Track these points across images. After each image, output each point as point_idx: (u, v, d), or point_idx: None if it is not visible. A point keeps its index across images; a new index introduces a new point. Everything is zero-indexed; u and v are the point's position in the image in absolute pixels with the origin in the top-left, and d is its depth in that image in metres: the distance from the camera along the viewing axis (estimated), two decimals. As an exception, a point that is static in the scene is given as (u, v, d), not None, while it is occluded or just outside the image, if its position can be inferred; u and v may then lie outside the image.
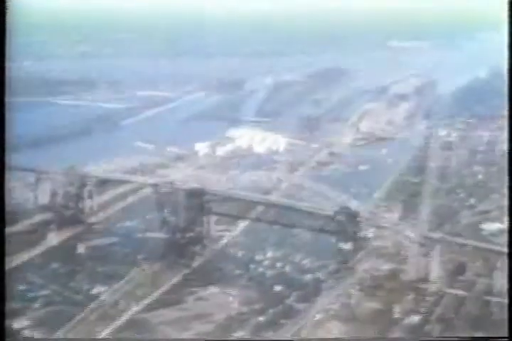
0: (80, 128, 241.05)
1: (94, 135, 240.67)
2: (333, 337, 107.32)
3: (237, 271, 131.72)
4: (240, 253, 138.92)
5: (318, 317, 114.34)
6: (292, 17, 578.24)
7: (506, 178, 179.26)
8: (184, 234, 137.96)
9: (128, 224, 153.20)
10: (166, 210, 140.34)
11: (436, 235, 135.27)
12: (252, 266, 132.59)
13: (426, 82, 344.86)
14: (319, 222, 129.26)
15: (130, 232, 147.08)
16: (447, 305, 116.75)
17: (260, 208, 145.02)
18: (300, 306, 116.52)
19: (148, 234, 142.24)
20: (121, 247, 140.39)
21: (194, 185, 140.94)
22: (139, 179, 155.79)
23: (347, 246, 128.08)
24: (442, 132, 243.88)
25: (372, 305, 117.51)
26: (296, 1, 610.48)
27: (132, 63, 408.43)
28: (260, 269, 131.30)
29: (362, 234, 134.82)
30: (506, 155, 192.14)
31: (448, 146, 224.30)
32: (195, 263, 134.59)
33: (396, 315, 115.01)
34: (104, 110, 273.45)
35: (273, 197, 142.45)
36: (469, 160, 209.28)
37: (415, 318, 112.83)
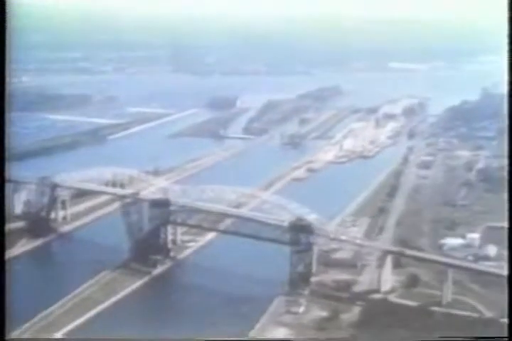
0: (66, 142, 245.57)
1: (79, 148, 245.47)
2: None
3: (197, 279, 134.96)
4: (203, 263, 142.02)
5: (264, 322, 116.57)
6: (296, 37, 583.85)
7: (479, 197, 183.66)
8: (147, 243, 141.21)
9: (95, 232, 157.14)
10: (131, 220, 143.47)
11: (395, 249, 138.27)
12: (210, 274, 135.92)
13: (418, 103, 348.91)
14: (276, 232, 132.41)
15: (97, 240, 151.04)
16: (392, 314, 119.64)
17: (225, 220, 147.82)
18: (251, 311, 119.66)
19: (114, 242, 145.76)
20: (86, 254, 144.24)
21: (158, 196, 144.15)
22: (109, 190, 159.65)
23: (301, 256, 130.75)
24: (423, 151, 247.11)
25: (320, 313, 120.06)
26: (301, 22, 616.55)
27: (130, 80, 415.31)
28: (220, 276, 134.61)
29: (319, 245, 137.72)
30: (482, 175, 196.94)
31: (426, 165, 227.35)
32: (156, 271, 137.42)
33: (342, 323, 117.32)
34: (93, 125, 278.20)
35: (235, 210, 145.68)
36: (445, 179, 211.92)
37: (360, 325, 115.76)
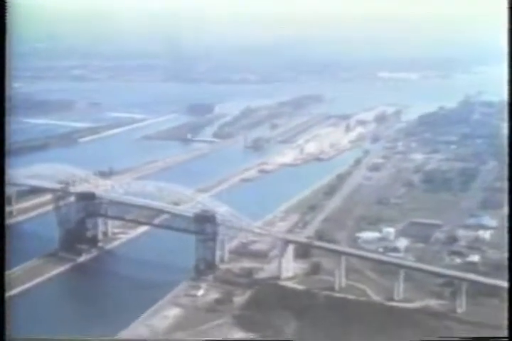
0: (37, 144, 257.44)
1: (50, 150, 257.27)
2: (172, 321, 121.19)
3: (116, 267, 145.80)
4: (126, 253, 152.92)
5: (161, 303, 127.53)
6: (287, 46, 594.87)
7: (415, 197, 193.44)
8: (75, 234, 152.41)
9: (38, 225, 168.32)
10: (61, 213, 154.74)
11: (304, 240, 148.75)
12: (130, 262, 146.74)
13: (394, 111, 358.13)
14: (185, 223, 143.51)
15: (30, 231, 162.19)
16: (281, 298, 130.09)
17: (152, 213, 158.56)
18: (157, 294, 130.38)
19: (47, 233, 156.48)
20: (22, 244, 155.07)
21: (85, 189, 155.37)
22: (44, 184, 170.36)
23: (206, 245, 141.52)
24: (379, 154, 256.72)
25: (215, 296, 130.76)
26: (293, 32, 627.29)
27: (120, 88, 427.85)
28: (138, 265, 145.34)
29: (239, 237, 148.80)
30: (427, 176, 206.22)
31: (375, 167, 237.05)
32: (80, 259, 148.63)
33: (233, 306, 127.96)
34: (69, 128, 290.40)
35: (155, 203, 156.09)
36: (389, 180, 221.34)
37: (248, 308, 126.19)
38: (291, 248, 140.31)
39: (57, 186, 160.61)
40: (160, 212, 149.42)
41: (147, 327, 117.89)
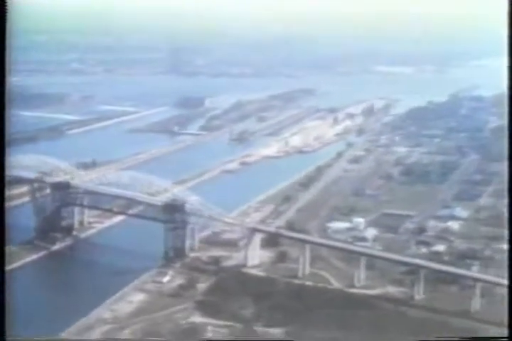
0: (26, 136, 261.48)
1: (38, 142, 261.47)
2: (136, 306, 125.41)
3: (89, 255, 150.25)
4: (100, 241, 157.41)
5: (127, 289, 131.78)
6: (286, 41, 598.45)
7: (391, 189, 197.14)
8: (50, 223, 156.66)
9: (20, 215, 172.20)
10: (36, 202, 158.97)
11: (270, 229, 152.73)
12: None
13: (384, 104, 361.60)
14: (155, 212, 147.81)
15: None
16: (242, 284, 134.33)
17: (127, 203, 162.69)
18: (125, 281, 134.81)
19: (22, 221, 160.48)
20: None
21: (60, 179, 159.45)
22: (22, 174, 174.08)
23: (175, 233, 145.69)
24: (362, 147, 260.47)
25: (179, 282, 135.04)
26: (291, 26, 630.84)
27: (115, 81, 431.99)
28: (110, 252, 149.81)
29: (212, 227, 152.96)
30: (407, 169, 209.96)
31: (356, 160, 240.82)
32: (55, 247, 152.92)
33: (196, 292, 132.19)
34: (58, 121, 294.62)
35: (129, 193, 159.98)
36: (368, 172, 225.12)
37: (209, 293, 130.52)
38: (257, 237, 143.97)
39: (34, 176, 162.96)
40: (132, 201, 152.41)
41: (111, 311, 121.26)
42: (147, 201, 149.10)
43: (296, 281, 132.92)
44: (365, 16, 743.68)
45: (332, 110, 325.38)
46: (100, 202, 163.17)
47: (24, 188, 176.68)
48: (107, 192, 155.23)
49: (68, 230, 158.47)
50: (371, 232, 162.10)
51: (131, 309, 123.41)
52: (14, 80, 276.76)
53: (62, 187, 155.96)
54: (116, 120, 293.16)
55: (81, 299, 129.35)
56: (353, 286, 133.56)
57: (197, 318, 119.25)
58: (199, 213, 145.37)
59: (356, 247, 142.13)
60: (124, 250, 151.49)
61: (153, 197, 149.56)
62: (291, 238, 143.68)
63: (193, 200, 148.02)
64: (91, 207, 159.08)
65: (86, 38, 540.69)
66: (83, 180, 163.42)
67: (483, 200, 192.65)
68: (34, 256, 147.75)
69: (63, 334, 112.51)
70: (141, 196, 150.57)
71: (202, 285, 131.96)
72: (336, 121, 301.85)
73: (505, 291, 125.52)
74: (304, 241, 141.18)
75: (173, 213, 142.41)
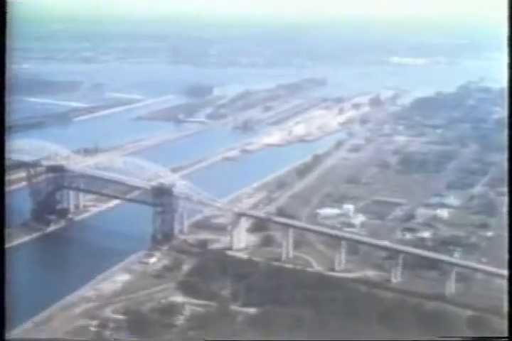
0: (33, 122, 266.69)
1: (45, 128, 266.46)
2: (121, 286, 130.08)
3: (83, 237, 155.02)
4: (94, 224, 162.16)
5: (114, 270, 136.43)
6: (299, 31, 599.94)
7: (386, 177, 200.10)
8: (45, 205, 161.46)
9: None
10: (32, 185, 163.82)
11: (257, 214, 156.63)
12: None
13: (392, 94, 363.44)
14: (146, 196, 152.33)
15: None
16: (224, 266, 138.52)
17: (123, 188, 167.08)
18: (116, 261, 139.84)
19: (20, 204, 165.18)
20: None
21: (54, 163, 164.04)
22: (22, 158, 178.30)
23: (163, 217, 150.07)
24: (363, 136, 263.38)
25: (165, 263, 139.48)
26: (304, 17, 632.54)
27: (126, 69, 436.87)
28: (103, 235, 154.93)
29: (202, 212, 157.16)
30: (405, 158, 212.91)
31: (355, 149, 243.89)
32: (49, 229, 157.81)
33: (179, 273, 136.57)
34: (66, 108, 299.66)
35: (122, 177, 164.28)
36: (366, 161, 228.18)
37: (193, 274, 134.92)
38: (243, 221, 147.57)
39: (28, 158, 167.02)
40: (123, 185, 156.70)
41: (95, 290, 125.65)
42: (137, 185, 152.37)
43: (276, 263, 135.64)
44: (380, 8, 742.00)
45: (339, 100, 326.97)
46: (95, 186, 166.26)
47: (21, 172, 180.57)
48: (100, 175, 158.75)
49: (63, 213, 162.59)
50: (359, 219, 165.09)
51: (115, 288, 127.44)
52: (25, 67, 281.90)
53: (56, 171, 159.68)
54: (123, 107, 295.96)
55: (69, 278, 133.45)
56: (332, 269, 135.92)
57: (177, 297, 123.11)
58: (187, 197, 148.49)
59: (336, 232, 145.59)
60: (116, 233, 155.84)
61: (145, 181, 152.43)
62: (275, 222, 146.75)
63: (181, 185, 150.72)
64: (84, 191, 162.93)
65: (100, 27, 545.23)
66: (79, 164, 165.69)
67: (477, 189, 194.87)
68: (27, 238, 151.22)
69: (47, 311, 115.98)
70: (132, 180, 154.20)
71: (186, 267, 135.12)
72: (341, 111, 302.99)
73: (482, 276, 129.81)
74: (287, 226, 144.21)
75: (161, 197, 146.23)
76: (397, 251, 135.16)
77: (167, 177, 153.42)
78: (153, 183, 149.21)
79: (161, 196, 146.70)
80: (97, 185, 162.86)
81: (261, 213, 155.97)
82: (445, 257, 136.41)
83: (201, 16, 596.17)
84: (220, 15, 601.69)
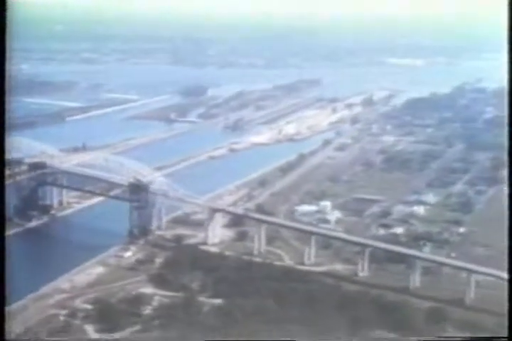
0: (25, 121, 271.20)
1: (38, 127, 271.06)
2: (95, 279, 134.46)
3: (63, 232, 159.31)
4: (75, 220, 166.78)
5: (89, 263, 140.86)
6: (297, 33, 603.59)
7: (368, 175, 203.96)
8: (27, 201, 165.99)
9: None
10: (15, 181, 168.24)
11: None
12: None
13: (386, 95, 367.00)
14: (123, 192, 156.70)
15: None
16: (195, 259, 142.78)
17: (104, 185, 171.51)
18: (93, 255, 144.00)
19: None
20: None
21: (37, 160, 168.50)
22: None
23: (139, 212, 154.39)
24: (351, 135, 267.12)
25: (139, 256, 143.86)
26: (302, 18, 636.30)
27: (125, 70, 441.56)
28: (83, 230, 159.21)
29: (182, 208, 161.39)
30: (390, 157, 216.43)
31: (342, 148, 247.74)
32: (30, 224, 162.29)
33: (152, 266, 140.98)
34: (60, 108, 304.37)
35: (100, 174, 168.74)
36: (351, 160, 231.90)
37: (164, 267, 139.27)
38: (219, 217, 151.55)
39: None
40: (104, 182, 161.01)
41: (69, 282, 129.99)
42: (116, 181, 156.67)
43: (246, 257, 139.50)
44: (378, 9, 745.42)
45: (333, 100, 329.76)
46: (77, 183, 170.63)
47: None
48: (81, 172, 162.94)
49: (46, 209, 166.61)
50: (335, 215, 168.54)
51: (89, 280, 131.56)
52: (24, 68, 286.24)
53: (39, 168, 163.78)
54: (117, 107, 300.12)
55: (47, 272, 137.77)
56: (302, 263, 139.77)
57: (147, 289, 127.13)
58: (164, 194, 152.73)
59: (307, 227, 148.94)
60: (98, 228, 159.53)
61: (123, 178, 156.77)
62: (249, 218, 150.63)
63: (159, 181, 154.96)
64: (66, 187, 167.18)
65: (101, 28, 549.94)
66: (66, 162, 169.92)
67: (456, 187, 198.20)
68: (10, 232, 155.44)
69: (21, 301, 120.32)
70: (112, 177, 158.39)
71: (159, 260, 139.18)
72: (333, 111, 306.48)
73: (449, 270, 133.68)
74: (260, 221, 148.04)
75: (138, 193, 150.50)
76: (365, 246, 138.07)
77: (146, 175, 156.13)
78: (131, 180, 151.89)
79: (138, 192, 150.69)
80: (79, 182, 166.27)
81: (237, 209, 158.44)
82: (412, 251, 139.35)
83: (201, 18, 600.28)
84: (219, 17, 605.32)
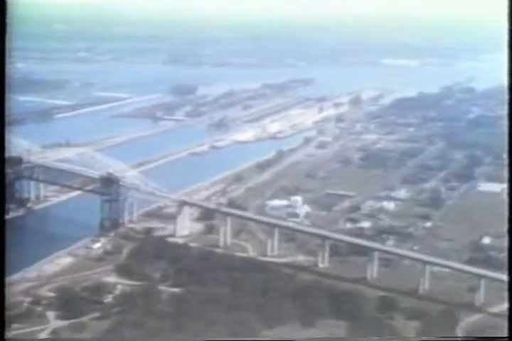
0: (14, 119, 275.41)
1: (26, 124, 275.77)
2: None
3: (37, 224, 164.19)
4: (50, 213, 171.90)
5: (59, 253, 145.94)
6: (292, 32, 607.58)
7: (345, 172, 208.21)
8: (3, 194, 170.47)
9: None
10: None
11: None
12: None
13: (376, 94, 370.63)
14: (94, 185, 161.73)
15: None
16: (159, 250, 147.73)
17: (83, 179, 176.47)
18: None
19: None
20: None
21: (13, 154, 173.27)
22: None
23: (110, 205, 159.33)
24: (332, 133, 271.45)
25: (107, 248, 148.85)
26: (298, 18, 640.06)
27: (119, 69, 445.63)
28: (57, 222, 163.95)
29: (154, 202, 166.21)
30: (369, 155, 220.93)
31: (322, 145, 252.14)
32: (7, 217, 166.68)
33: (119, 256, 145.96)
34: (49, 106, 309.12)
35: (78, 168, 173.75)
36: (330, 157, 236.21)
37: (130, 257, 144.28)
38: (187, 209, 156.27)
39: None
40: (78, 176, 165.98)
41: (37, 271, 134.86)
42: (87, 175, 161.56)
43: (209, 249, 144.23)
44: (375, 10, 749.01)
45: (321, 99, 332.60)
46: (53, 177, 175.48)
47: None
48: (57, 167, 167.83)
49: (22, 202, 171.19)
50: (304, 209, 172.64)
51: (56, 270, 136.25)
52: (19, 67, 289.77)
53: (15, 162, 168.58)
54: (106, 105, 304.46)
55: (18, 262, 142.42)
56: (265, 255, 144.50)
57: (111, 278, 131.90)
58: (136, 187, 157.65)
59: (271, 220, 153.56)
60: (71, 221, 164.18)
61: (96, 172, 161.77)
62: (217, 211, 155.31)
63: (131, 176, 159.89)
64: (42, 181, 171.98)
65: (97, 27, 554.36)
66: (44, 157, 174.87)
67: (429, 184, 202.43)
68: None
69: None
70: (85, 171, 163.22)
71: (126, 251, 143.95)
72: (320, 110, 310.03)
73: (409, 262, 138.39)
74: (226, 214, 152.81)
75: (109, 186, 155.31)
76: (326, 238, 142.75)
77: (120, 170, 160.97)
78: (102, 173, 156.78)
79: (110, 185, 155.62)
80: (55, 177, 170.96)
81: (207, 203, 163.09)
82: (372, 244, 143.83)
83: (196, 17, 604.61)
84: (214, 17, 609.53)
